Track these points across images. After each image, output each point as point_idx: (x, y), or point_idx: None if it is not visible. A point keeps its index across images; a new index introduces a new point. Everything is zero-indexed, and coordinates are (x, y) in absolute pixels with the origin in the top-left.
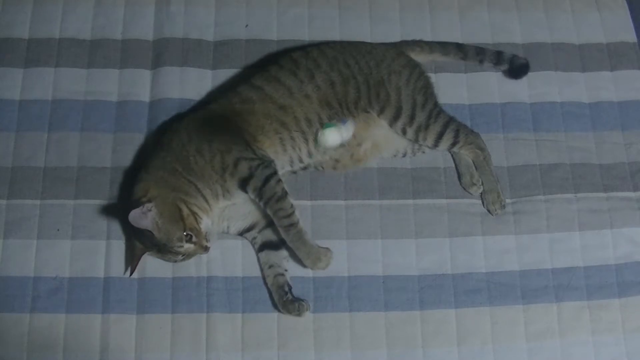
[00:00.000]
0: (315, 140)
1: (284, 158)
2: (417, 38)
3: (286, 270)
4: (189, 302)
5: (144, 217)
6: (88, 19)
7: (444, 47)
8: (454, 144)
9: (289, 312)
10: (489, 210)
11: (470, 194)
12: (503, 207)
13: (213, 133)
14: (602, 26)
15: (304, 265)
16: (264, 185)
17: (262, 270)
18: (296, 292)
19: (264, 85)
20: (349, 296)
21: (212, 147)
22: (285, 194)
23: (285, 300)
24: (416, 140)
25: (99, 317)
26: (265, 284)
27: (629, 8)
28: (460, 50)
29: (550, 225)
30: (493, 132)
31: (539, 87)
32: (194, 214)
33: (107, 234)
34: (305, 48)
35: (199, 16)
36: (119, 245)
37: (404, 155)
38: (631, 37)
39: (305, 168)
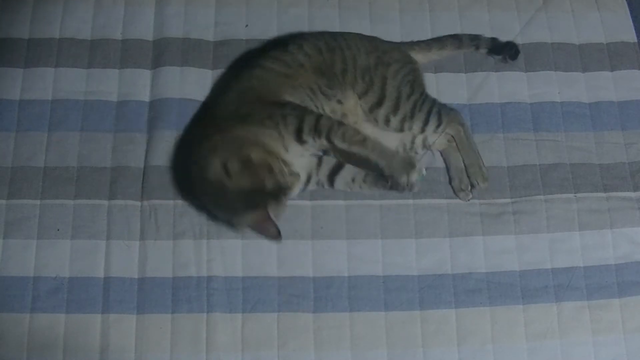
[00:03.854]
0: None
1: None
2: (417, 38)
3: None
4: (189, 302)
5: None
6: (88, 19)
7: (439, 41)
8: (438, 126)
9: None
10: (472, 185)
11: (459, 198)
12: (486, 179)
13: (246, 110)
14: (602, 26)
15: (394, 180)
16: (317, 124)
17: (351, 190)
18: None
19: (263, 63)
20: (349, 296)
21: (256, 119)
22: (341, 122)
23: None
24: (401, 130)
25: (99, 317)
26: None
27: (629, 8)
28: (455, 39)
29: (550, 225)
30: (493, 132)
31: (539, 87)
32: (270, 152)
33: (107, 234)
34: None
35: (199, 16)
36: (119, 245)
37: None
38: (631, 37)
39: None
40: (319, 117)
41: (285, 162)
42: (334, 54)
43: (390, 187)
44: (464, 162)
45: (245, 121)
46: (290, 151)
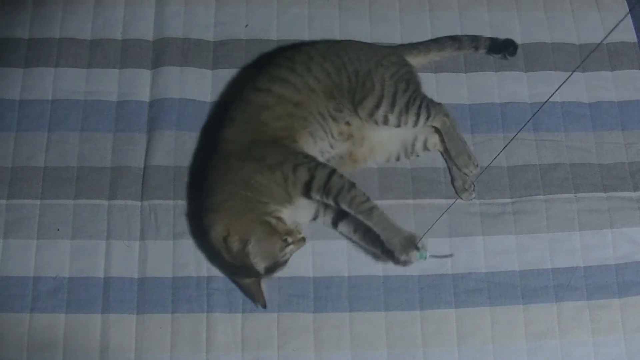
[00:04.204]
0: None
1: (315, 150)
2: (417, 38)
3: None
4: (189, 302)
5: (250, 255)
6: (88, 19)
7: (438, 43)
8: (427, 118)
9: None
10: (465, 174)
11: (462, 198)
12: (476, 166)
13: (259, 152)
14: (602, 26)
15: (395, 256)
16: (328, 182)
17: (351, 239)
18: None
19: (271, 87)
20: (349, 296)
21: (267, 163)
22: (353, 184)
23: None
24: (398, 125)
25: (99, 317)
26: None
27: (628, 8)
28: (455, 41)
29: (550, 225)
30: (493, 132)
31: (539, 87)
32: (279, 219)
33: (107, 234)
34: (297, 45)
35: (199, 16)
36: (119, 245)
37: (397, 159)
38: (631, 37)
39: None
40: (330, 174)
41: (290, 232)
42: (341, 74)
43: (384, 253)
44: (450, 155)
45: (258, 164)
46: (297, 203)
